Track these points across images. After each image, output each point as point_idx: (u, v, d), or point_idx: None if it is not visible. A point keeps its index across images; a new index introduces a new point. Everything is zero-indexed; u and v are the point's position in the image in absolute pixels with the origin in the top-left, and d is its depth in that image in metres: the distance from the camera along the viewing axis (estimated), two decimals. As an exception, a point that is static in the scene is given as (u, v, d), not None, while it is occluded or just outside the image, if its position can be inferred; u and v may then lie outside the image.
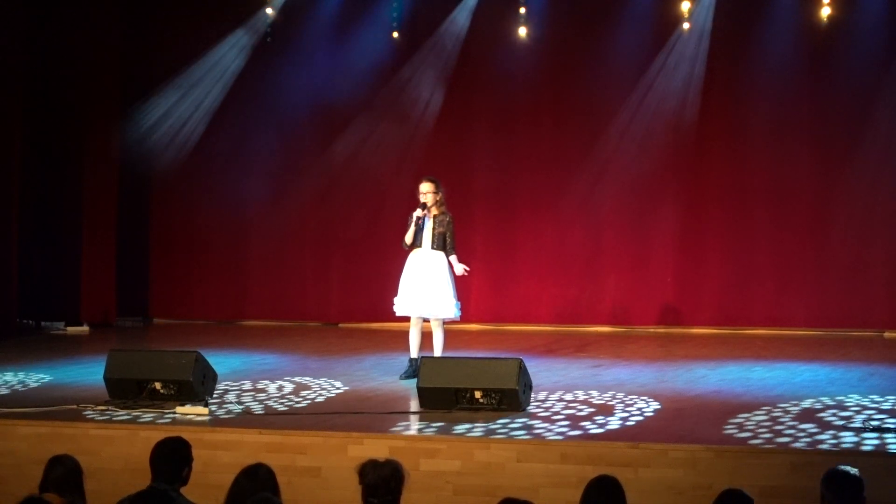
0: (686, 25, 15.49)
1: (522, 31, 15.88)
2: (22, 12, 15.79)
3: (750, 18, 15.43)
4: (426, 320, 11.91)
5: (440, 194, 11.86)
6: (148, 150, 16.69)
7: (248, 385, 11.50)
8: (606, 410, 10.11)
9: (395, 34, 16.20)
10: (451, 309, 11.84)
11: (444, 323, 11.97)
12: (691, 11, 15.46)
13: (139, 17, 16.74)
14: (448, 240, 11.82)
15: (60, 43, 16.18)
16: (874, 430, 9.03)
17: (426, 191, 11.82)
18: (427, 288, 11.75)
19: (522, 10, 15.74)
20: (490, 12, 16.02)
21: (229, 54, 16.51)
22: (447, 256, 11.83)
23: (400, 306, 11.95)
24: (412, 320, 11.91)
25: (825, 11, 15.02)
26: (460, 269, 11.80)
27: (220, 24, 16.53)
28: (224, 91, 16.59)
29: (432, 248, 11.80)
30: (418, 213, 11.78)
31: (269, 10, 16.38)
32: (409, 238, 11.82)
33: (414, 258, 11.87)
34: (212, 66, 16.54)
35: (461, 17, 16.08)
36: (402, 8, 16.18)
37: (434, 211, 11.82)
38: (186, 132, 16.66)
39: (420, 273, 11.79)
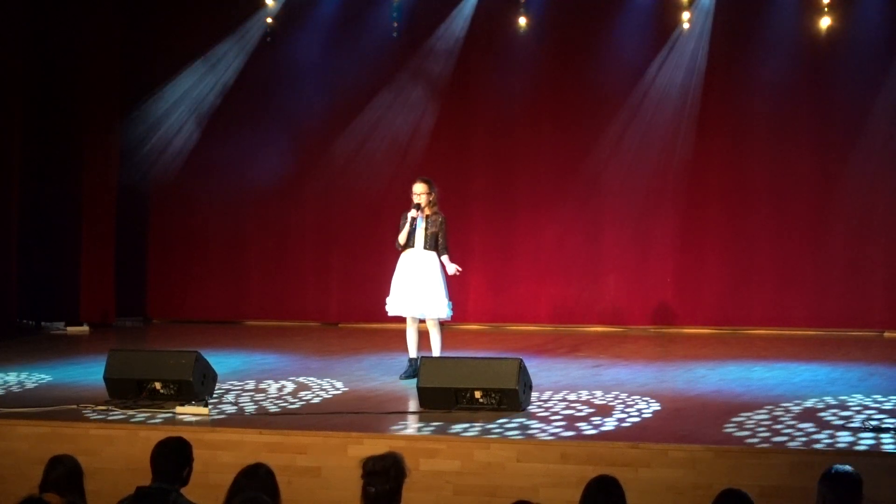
0: (686, 25, 15.50)
1: (521, 31, 15.88)
2: (22, 14, 15.79)
3: (750, 18, 15.43)
4: (421, 320, 11.92)
5: (433, 194, 11.85)
6: (147, 150, 16.70)
7: (249, 385, 11.50)
8: (606, 410, 10.12)
9: (395, 34, 16.19)
10: (443, 309, 11.82)
11: (441, 323, 11.98)
12: (691, 11, 15.46)
13: (139, 17, 16.74)
14: (440, 240, 11.81)
15: (61, 43, 16.19)
16: (874, 430, 9.03)
17: (420, 191, 11.81)
18: (419, 288, 11.75)
19: (522, 11, 15.75)
20: (489, 12, 16.03)
21: (229, 54, 16.51)
22: (439, 257, 11.83)
23: (392, 306, 11.95)
24: (408, 320, 11.91)
25: (824, 12, 15.03)
26: (452, 268, 11.80)
27: (220, 25, 16.53)
28: (223, 91, 16.60)
29: (425, 248, 11.80)
30: (413, 213, 11.77)
31: (268, 11, 16.37)
32: (402, 238, 11.81)
33: (406, 258, 11.87)
34: (211, 67, 16.54)
35: (460, 17, 16.08)
36: (401, 8, 16.18)
37: (427, 211, 11.81)
38: (186, 132, 16.67)
39: (412, 273, 11.78)
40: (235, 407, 10.37)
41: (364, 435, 9.19)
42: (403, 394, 11.02)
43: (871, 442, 8.74)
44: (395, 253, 12.04)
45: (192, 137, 16.68)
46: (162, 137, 16.68)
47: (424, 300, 11.76)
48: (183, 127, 16.66)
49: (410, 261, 11.83)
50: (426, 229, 11.81)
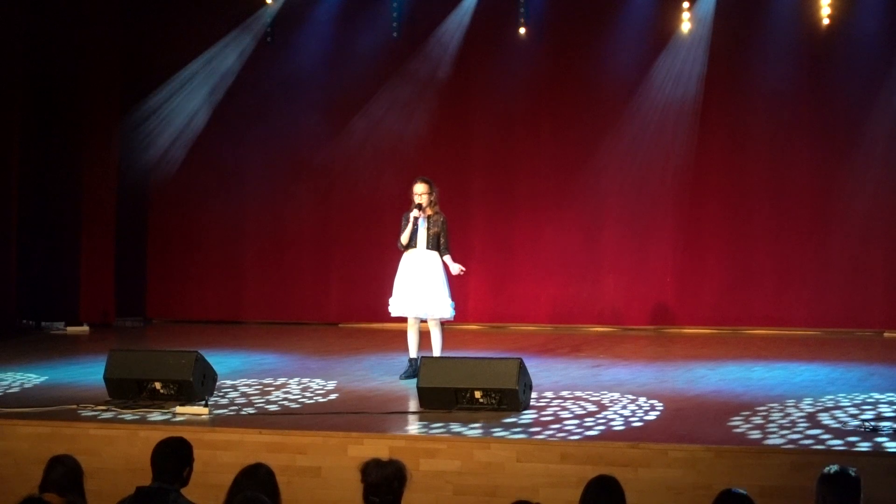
0: (686, 26, 15.51)
1: (522, 32, 15.91)
2: (22, 13, 15.79)
3: (750, 19, 15.44)
4: (423, 320, 11.91)
5: (434, 194, 11.84)
6: (146, 150, 16.70)
7: (249, 385, 11.51)
8: (606, 410, 10.11)
9: (395, 34, 16.21)
10: (446, 309, 11.82)
11: (442, 323, 11.97)
12: (691, 11, 15.47)
13: (139, 17, 16.74)
14: (442, 240, 11.81)
15: (61, 44, 16.18)
16: (874, 430, 9.03)
17: (421, 191, 11.80)
18: (422, 288, 11.74)
19: (521, 12, 15.77)
20: (489, 13, 16.03)
21: (229, 54, 16.51)
22: (441, 257, 11.82)
23: (395, 307, 11.93)
24: (409, 321, 11.90)
25: (825, 12, 15.05)
26: (456, 268, 11.79)
27: (220, 25, 16.54)
28: (223, 91, 16.60)
29: (427, 248, 11.79)
30: (415, 213, 11.76)
31: (268, 11, 16.40)
32: (404, 238, 11.80)
33: (408, 258, 11.86)
34: (211, 66, 16.54)
35: (461, 17, 16.08)
36: (401, 8, 16.19)
37: (428, 211, 11.80)
38: (185, 132, 16.66)
39: (415, 273, 11.78)
40: (234, 407, 10.37)
41: (364, 435, 9.19)
42: (403, 394, 11.02)
43: (871, 442, 8.74)
44: (394, 253, 12.04)
45: (191, 137, 16.67)
46: (161, 137, 16.67)
47: (427, 300, 11.75)
48: (183, 127, 16.65)
49: (413, 261, 11.82)
50: (428, 229, 11.80)
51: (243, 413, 10.12)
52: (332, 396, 11.02)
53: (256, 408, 10.36)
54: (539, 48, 16.02)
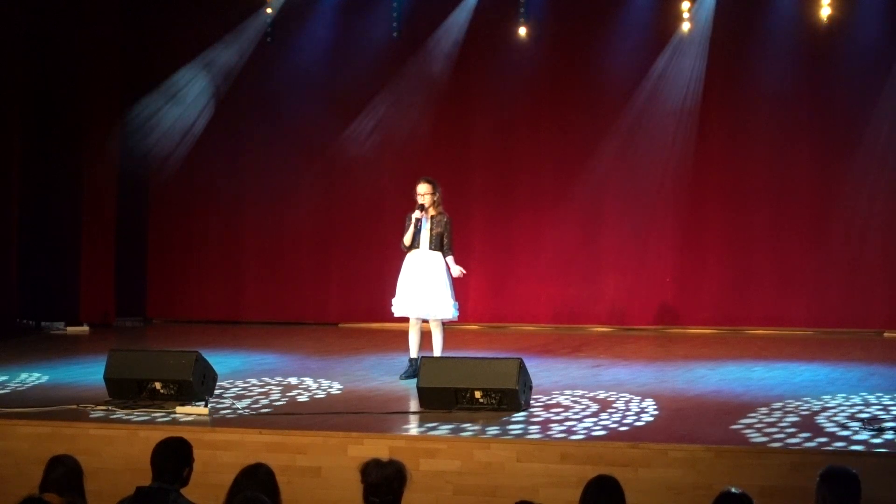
0: (686, 26, 15.51)
1: (522, 31, 15.91)
2: (22, 13, 15.79)
3: (750, 18, 15.44)
4: (425, 321, 11.91)
5: (437, 195, 11.84)
6: (146, 150, 16.70)
7: (249, 385, 11.51)
8: (606, 410, 10.12)
9: (395, 34, 16.21)
10: (449, 310, 11.82)
11: (444, 323, 11.97)
12: (691, 11, 15.48)
13: (139, 17, 16.73)
14: (446, 240, 11.80)
15: (61, 43, 16.18)
16: (874, 430, 9.04)
17: (424, 192, 11.79)
18: (425, 289, 11.74)
19: (522, 12, 15.77)
20: (490, 12, 16.03)
21: (228, 55, 16.50)
22: (444, 257, 11.82)
23: (398, 307, 11.93)
24: (411, 321, 11.89)
25: (825, 11, 15.05)
26: (457, 270, 11.78)
27: (220, 25, 16.53)
28: (223, 91, 16.59)
29: (430, 248, 11.78)
30: (417, 214, 11.76)
31: (268, 10, 16.41)
32: (407, 239, 11.80)
33: (412, 259, 11.86)
34: (211, 67, 16.54)
35: (461, 17, 16.07)
36: (401, 8, 16.19)
37: (431, 211, 11.80)
38: (185, 132, 16.66)
39: (418, 274, 11.77)
40: (234, 408, 10.37)
41: (364, 435, 9.19)
42: (403, 394, 11.02)
43: (872, 442, 8.75)
44: (395, 252, 12.04)
45: (191, 137, 16.67)
46: (161, 137, 16.67)
47: (431, 301, 11.74)
48: (182, 127, 16.65)
49: (416, 261, 11.82)
50: (431, 230, 11.79)
51: (241, 411, 10.12)
52: (332, 396, 11.00)
53: (257, 408, 10.35)
54: (539, 48, 16.01)
